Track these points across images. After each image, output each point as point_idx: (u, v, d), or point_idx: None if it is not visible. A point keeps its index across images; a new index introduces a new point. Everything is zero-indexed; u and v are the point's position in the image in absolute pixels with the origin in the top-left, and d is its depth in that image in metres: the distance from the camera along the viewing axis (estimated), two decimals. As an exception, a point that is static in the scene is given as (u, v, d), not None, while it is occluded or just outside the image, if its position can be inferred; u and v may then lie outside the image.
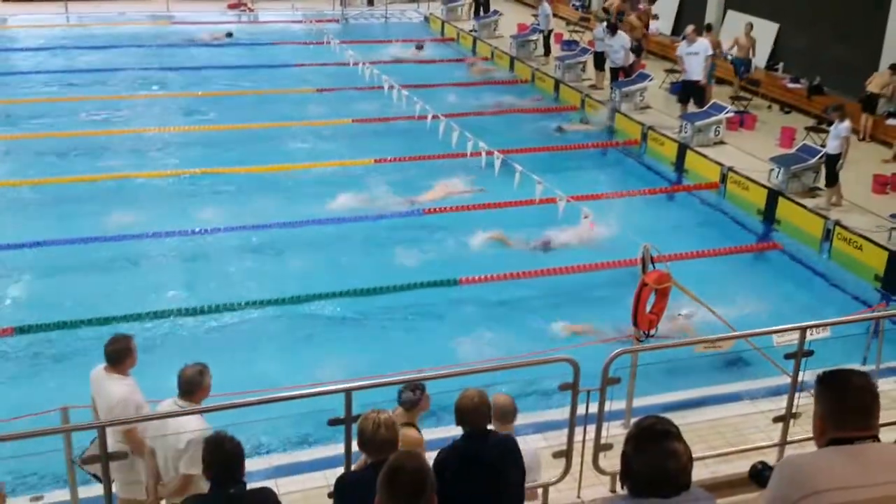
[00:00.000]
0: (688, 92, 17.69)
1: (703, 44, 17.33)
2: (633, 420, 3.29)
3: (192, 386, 5.70)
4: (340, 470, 5.54)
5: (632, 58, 19.58)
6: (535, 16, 26.37)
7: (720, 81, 20.32)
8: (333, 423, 5.76)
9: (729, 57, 19.67)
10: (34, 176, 14.93)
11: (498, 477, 4.83)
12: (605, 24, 20.20)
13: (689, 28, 17.81)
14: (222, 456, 4.48)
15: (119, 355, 6.12)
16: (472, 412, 4.96)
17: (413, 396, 6.00)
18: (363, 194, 14.63)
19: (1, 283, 11.45)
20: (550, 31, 23.31)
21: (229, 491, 4.41)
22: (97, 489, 5.94)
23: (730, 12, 22.04)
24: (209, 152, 16.44)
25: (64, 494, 6.69)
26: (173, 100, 19.65)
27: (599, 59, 20.30)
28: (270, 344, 10.25)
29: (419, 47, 24.79)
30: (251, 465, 7.05)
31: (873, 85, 16.56)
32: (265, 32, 27.09)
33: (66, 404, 6.23)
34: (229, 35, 25.67)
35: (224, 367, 9.72)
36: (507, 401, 5.97)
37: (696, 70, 17.34)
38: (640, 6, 23.04)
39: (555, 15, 24.05)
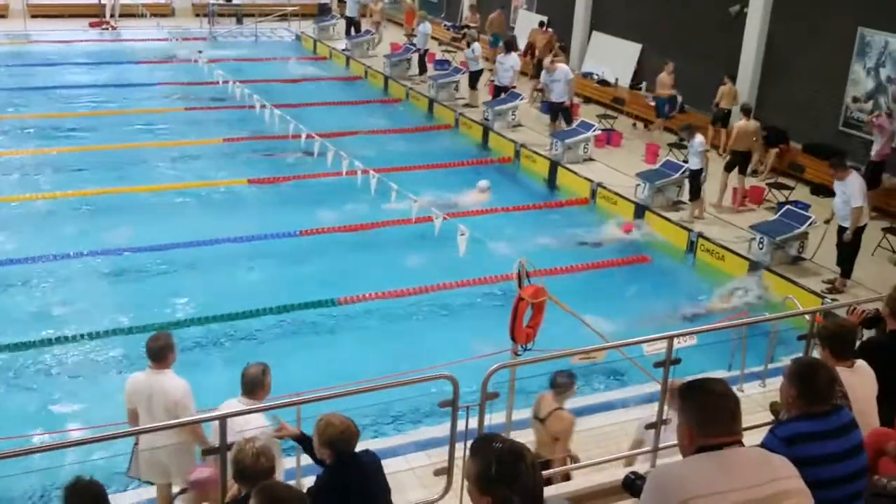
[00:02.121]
0: (555, 111, 18.28)
1: (562, 70, 17.97)
2: (475, 453, 3.02)
3: (255, 385, 6.00)
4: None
5: (515, 79, 19.99)
6: (408, 35, 26.63)
7: (588, 100, 20.98)
8: (207, 453, 5.59)
9: (649, 97, 19.56)
10: None
11: (373, 497, 4.79)
12: (494, 45, 20.66)
13: (547, 60, 18.48)
14: (85, 500, 4.47)
15: (166, 350, 6.32)
16: (343, 439, 4.89)
17: (568, 380, 6.85)
18: (237, 215, 14.34)
19: None
20: (426, 51, 23.52)
21: None
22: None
23: (595, 33, 22.78)
24: (72, 174, 15.75)
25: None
26: (34, 121, 18.72)
27: (474, 78, 20.65)
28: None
29: None
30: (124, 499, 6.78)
31: (724, 101, 17.39)
32: (128, 51, 26.24)
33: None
34: (200, 52, 25.13)
35: (88, 398, 9.35)
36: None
37: (559, 94, 18.11)
38: (544, 28, 23.46)
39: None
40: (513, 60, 19.60)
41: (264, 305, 11.22)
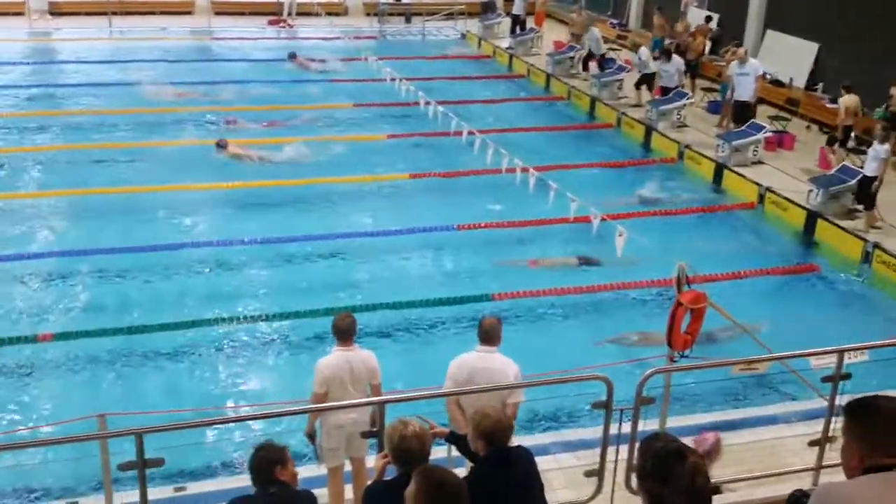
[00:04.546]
0: (741, 112, 17.55)
1: (753, 65, 17.31)
2: (640, 449, 3.13)
3: (492, 334, 6.53)
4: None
5: (684, 80, 19.57)
6: (573, 34, 26.45)
7: (759, 101, 20.18)
8: (366, 435, 5.79)
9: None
10: (84, 185, 15.03)
11: (527, 491, 4.80)
12: (654, 49, 20.32)
13: (742, 50, 17.84)
14: (259, 460, 4.75)
15: (354, 327, 6.85)
16: (499, 430, 4.93)
17: None
18: (398, 209, 14.69)
19: (45, 291, 11.60)
20: (603, 55, 23.02)
21: (270, 490, 4.63)
22: (132, 495, 6.00)
23: (769, 32, 21.89)
24: (243, 165, 16.51)
25: (99, 500, 6.76)
26: (215, 114, 19.67)
27: (646, 80, 20.27)
28: (299, 356, 10.25)
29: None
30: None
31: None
32: (303, 48, 27.33)
33: (103, 411, 6.31)
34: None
35: (254, 377, 9.84)
36: None
37: (746, 91, 17.30)
38: (699, 25, 22.88)
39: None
40: (676, 64, 19.18)
41: (421, 297, 11.45)
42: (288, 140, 17.68)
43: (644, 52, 20.30)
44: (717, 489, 6.57)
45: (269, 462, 4.73)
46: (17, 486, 7.78)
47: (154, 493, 5.98)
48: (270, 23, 30.11)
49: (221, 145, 16.63)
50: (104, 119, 18.98)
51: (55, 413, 8.61)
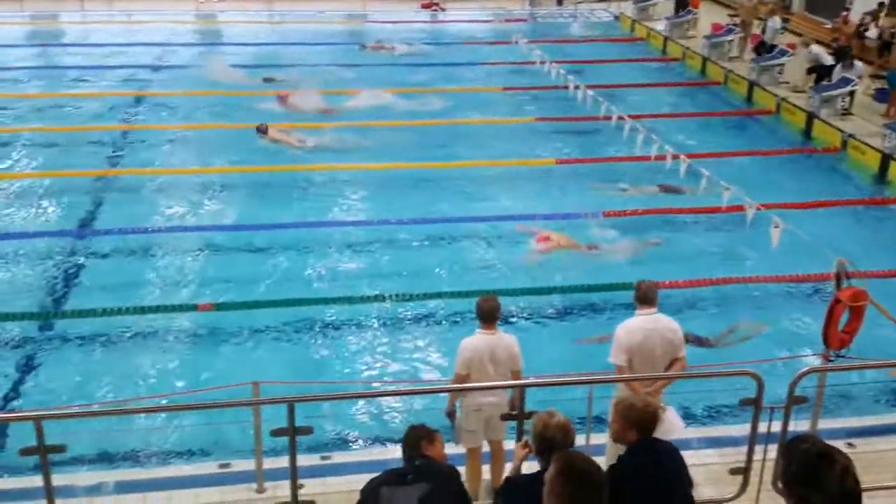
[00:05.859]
0: None
1: None
2: (784, 452, 3.03)
3: (652, 296, 6.86)
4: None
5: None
6: (732, 15, 25.57)
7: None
8: (505, 418, 5.84)
9: None
10: (241, 163, 15.67)
11: (672, 484, 4.72)
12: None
13: None
14: (409, 436, 5.09)
15: (497, 310, 6.79)
16: (647, 418, 4.86)
17: None
18: (544, 193, 14.62)
19: (204, 262, 12.18)
20: (773, 46, 21.96)
21: (416, 463, 4.89)
22: (282, 461, 6.28)
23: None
24: (389, 148, 16.74)
25: (250, 464, 7.11)
26: (367, 96, 20.06)
27: (818, 70, 19.33)
28: (445, 336, 10.39)
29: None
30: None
31: None
32: (455, 31, 27.56)
33: (257, 380, 6.60)
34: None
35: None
36: None
37: None
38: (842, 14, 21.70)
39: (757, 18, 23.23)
40: (857, 71, 18.31)
41: (560, 284, 11.38)
42: (437, 122, 17.87)
43: (814, 49, 19.45)
44: None
45: (417, 437, 5.04)
46: (176, 446, 8.27)
47: (301, 460, 6.21)
48: (424, 6, 30.51)
49: (262, 130, 16.61)
50: (262, 99, 19.70)
51: (212, 379, 9.08)
